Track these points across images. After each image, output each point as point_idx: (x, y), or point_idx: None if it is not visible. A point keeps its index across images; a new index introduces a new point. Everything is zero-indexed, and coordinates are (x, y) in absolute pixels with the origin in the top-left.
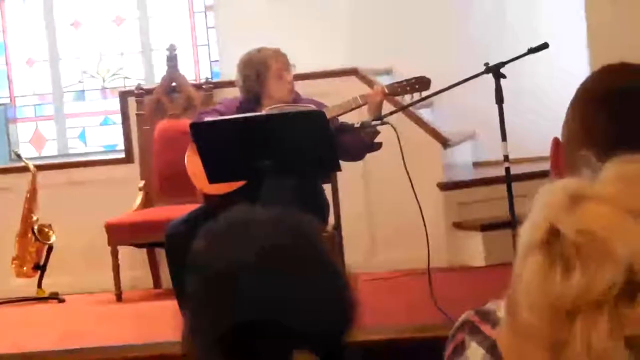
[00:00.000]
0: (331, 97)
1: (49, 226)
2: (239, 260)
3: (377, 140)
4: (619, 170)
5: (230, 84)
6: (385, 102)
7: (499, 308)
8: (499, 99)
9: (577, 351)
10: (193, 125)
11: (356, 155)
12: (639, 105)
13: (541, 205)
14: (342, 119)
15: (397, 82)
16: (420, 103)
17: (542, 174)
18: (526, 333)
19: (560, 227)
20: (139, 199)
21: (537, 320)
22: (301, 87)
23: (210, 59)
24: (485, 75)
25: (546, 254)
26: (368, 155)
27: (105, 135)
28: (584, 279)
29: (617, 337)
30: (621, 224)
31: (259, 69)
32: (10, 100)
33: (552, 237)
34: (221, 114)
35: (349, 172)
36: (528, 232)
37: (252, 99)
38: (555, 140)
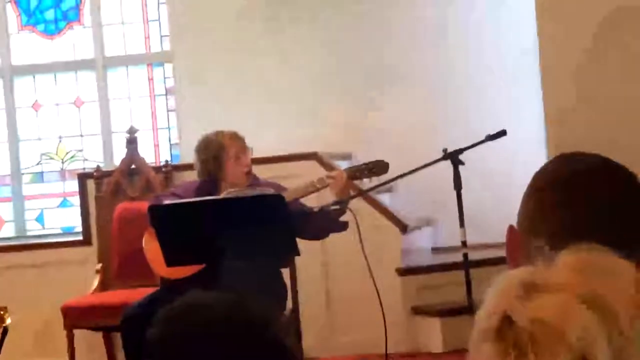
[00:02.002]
0: (291, 180)
1: (5, 308)
2: (193, 348)
3: (342, 219)
4: (571, 260)
5: (190, 166)
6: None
7: None
8: (457, 185)
9: None
10: (151, 208)
11: (320, 235)
12: (590, 192)
13: (495, 294)
14: (303, 200)
15: (355, 166)
16: (380, 188)
17: (501, 260)
18: None
19: (513, 316)
20: (96, 281)
21: None
22: (261, 171)
23: (170, 142)
24: (444, 162)
25: (500, 342)
26: (328, 239)
27: (63, 217)
28: None
29: None
30: (574, 312)
31: (216, 152)
32: None
33: (506, 325)
34: (179, 197)
35: (307, 256)
36: (482, 320)
37: (210, 182)
38: (511, 228)
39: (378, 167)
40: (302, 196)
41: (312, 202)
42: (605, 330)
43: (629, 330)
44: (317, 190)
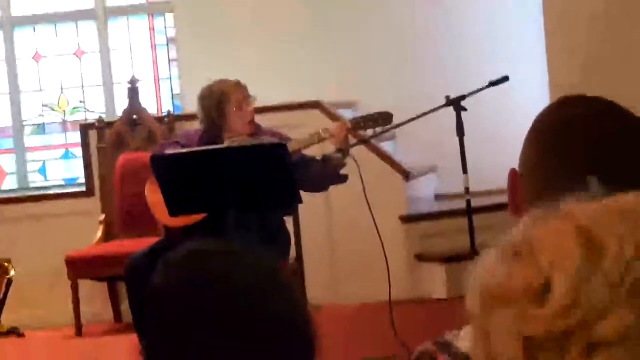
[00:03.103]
0: (294, 130)
1: (9, 260)
2: (196, 296)
3: (343, 172)
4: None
5: (192, 116)
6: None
7: (457, 339)
8: (460, 132)
9: (478, 345)
10: (154, 158)
11: (321, 187)
12: (589, 136)
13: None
14: (305, 152)
15: (360, 117)
16: (383, 136)
17: (504, 206)
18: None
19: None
20: (99, 232)
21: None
22: (264, 120)
23: (172, 92)
24: (446, 108)
25: (504, 249)
26: (331, 188)
27: (66, 169)
28: (507, 271)
29: (516, 336)
30: (563, 239)
31: (219, 101)
32: None
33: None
34: (182, 147)
35: (311, 205)
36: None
37: (213, 131)
38: (513, 171)
39: (382, 118)
40: (306, 147)
41: (314, 153)
42: (584, 266)
43: (613, 276)
44: (321, 141)
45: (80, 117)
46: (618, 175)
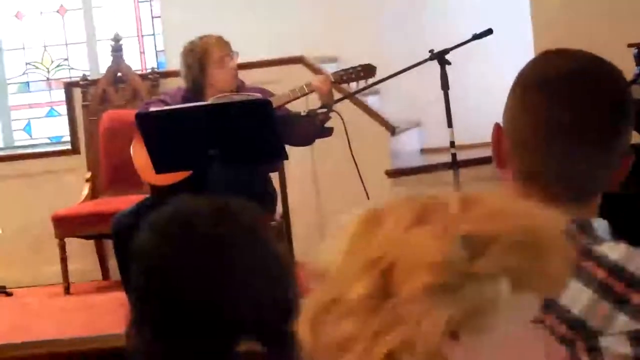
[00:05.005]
0: (277, 85)
1: None
2: (179, 252)
3: (327, 125)
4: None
5: (176, 73)
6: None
7: None
8: (445, 86)
9: None
10: (138, 116)
11: (306, 141)
12: (575, 89)
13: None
14: (289, 106)
15: (343, 70)
16: (367, 90)
17: (489, 160)
18: None
19: None
20: (85, 190)
21: None
22: (247, 76)
23: (156, 49)
24: (430, 62)
25: None
26: (316, 143)
27: (51, 127)
28: None
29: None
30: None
31: (200, 57)
32: None
33: None
34: (166, 104)
35: (297, 161)
36: None
37: (197, 88)
38: (497, 126)
39: (365, 71)
40: (289, 101)
41: (298, 108)
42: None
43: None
44: (304, 95)
45: (63, 74)
46: (598, 138)
